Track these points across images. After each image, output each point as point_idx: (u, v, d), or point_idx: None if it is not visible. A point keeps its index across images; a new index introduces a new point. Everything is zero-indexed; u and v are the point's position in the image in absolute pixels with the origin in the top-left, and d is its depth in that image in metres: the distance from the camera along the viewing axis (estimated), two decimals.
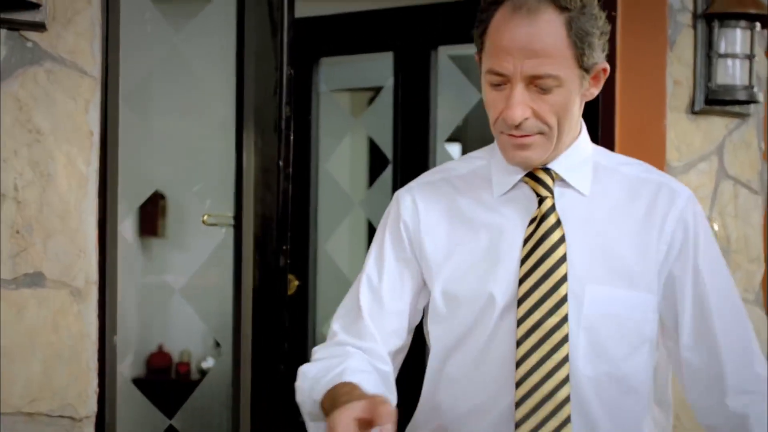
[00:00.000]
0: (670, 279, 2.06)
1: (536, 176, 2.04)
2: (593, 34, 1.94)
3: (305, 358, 2.13)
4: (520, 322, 2.00)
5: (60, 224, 2.57)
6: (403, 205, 2.13)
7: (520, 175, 2.05)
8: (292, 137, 3.20)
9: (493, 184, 2.09)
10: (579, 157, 2.06)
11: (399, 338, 2.11)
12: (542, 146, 1.99)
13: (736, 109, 3.87)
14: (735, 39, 3.77)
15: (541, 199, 2.03)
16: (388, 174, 4.49)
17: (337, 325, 2.12)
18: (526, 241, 2.03)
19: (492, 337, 2.03)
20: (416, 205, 2.12)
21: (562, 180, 2.05)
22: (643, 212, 2.05)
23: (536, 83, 1.92)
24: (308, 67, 4.41)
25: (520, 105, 1.93)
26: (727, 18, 3.75)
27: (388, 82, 4.42)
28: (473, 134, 4.87)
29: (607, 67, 2.01)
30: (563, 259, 2.00)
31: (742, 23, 3.76)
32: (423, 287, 2.12)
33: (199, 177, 3.16)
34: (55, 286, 2.57)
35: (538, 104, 1.94)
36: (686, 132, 3.84)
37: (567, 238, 2.01)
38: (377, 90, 4.59)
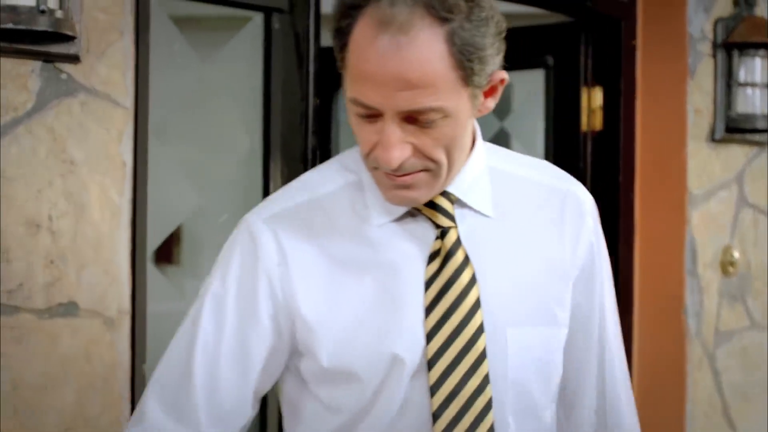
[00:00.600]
0: (575, 309, 1.74)
1: (432, 201, 1.65)
2: (484, 45, 1.52)
3: None
4: (434, 390, 1.60)
5: (93, 254, 2.59)
6: (262, 245, 1.64)
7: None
8: None
9: (372, 210, 1.66)
10: (477, 172, 1.69)
11: (238, 419, 1.67)
12: (429, 184, 1.60)
13: (756, 137, 3.91)
14: (755, 68, 3.81)
15: (443, 230, 1.65)
16: None
17: (153, 401, 1.64)
18: (428, 284, 1.63)
19: (401, 410, 1.63)
20: (281, 245, 1.63)
21: (459, 201, 1.67)
22: (551, 228, 1.71)
23: (415, 117, 1.52)
24: (328, 97, 4.43)
25: (398, 145, 1.53)
26: (747, 47, 3.79)
27: None
28: None
29: (506, 77, 1.61)
30: (477, 304, 1.62)
31: (762, 52, 3.80)
32: (280, 351, 1.67)
33: (226, 207, 3.18)
34: (88, 315, 2.58)
35: (420, 139, 1.54)
36: (707, 160, 3.87)
37: (479, 275, 1.64)
38: None
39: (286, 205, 1.68)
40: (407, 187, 1.59)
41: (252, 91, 3.20)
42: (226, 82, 3.19)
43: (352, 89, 1.54)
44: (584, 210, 1.74)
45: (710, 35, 3.84)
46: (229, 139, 3.18)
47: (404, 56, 1.49)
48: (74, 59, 2.54)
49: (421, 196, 1.61)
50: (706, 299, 3.85)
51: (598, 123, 3.93)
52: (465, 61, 1.51)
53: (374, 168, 1.60)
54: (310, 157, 3.20)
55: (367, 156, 1.59)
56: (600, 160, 3.92)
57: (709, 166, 3.87)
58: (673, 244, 3.82)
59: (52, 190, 2.54)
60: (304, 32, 3.19)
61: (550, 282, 1.70)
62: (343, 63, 1.57)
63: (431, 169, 1.58)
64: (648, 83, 3.87)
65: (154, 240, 2.92)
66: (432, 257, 1.64)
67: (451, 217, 1.65)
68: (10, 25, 2.38)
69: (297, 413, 1.72)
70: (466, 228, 1.67)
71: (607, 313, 1.78)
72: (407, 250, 1.65)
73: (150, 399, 1.66)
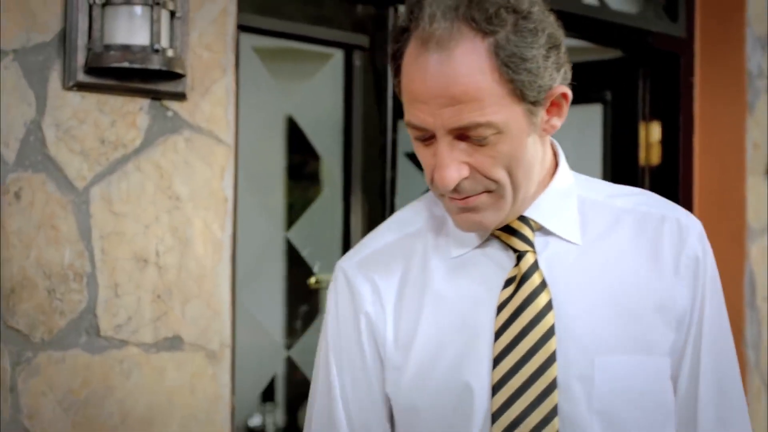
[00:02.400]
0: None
1: (510, 227, 1.59)
2: (533, 57, 1.46)
3: None
4: (495, 417, 1.55)
5: (197, 289, 2.63)
6: (357, 289, 1.66)
7: (474, 237, 1.62)
8: (396, 200, 3.28)
9: (452, 241, 1.64)
10: (561, 197, 1.62)
11: None
12: (494, 206, 1.54)
13: None
14: None
15: (519, 255, 1.59)
16: None
17: None
18: (500, 308, 1.58)
19: None
20: (376, 285, 1.65)
21: (543, 229, 1.61)
22: (647, 254, 1.62)
23: (466, 134, 1.48)
24: None
25: (452, 165, 1.49)
26: None
27: None
28: None
29: (567, 91, 1.54)
30: (551, 331, 1.56)
31: None
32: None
33: (308, 241, 3.22)
34: (192, 349, 2.62)
35: (476, 158, 1.50)
36: (764, 194, 3.92)
37: (563, 301, 1.58)
38: None
39: (376, 247, 1.68)
40: (472, 209, 1.54)
41: (333, 126, 3.25)
42: (308, 116, 3.24)
43: (406, 112, 1.52)
44: (686, 234, 1.63)
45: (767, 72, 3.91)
46: (311, 173, 3.23)
47: (445, 72, 1.45)
48: (181, 97, 2.59)
49: (488, 219, 1.56)
50: (764, 331, 3.90)
51: (655, 157, 3.99)
52: (512, 74, 1.46)
53: (441, 195, 1.56)
54: (388, 189, 3.25)
55: (430, 182, 1.54)
56: (658, 194, 3.96)
57: (766, 200, 3.92)
58: (732, 277, 3.86)
59: (159, 225, 2.58)
60: (383, 69, 3.25)
61: (645, 311, 1.60)
62: (399, 89, 1.54)
63: (493, 189, 1.53)
64: (706, 118, 3.93)
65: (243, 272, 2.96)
66: (508, 282, 1.59)
67: (529, 242, 1.59)
68: (125, 64, 2.42)
69: None
70: (548, 254, 1.61)
71: (705, 327, 1.65)
72: (485, 279, 1.61)
73: None
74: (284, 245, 3.18)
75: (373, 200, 3.25)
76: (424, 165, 1.54)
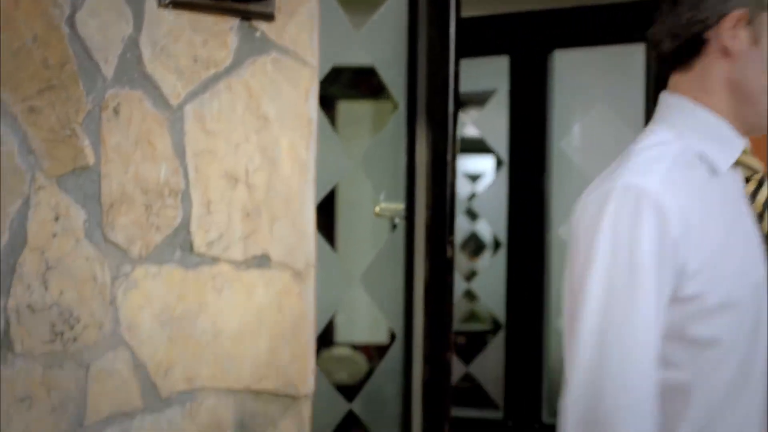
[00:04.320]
0: None
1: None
2: None
3: None
4: None
5: (284, 208, 2.66)
6: (667, 213, 1.66)
7: (741, 145, 1.78)
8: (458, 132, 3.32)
9: (715, 160, 1.75)
10: None
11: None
12: None
13: None
14: None
15: (754, 172, 1.85)
16: (503, 176, 4.58)
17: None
18: (751, 197, 1.85)
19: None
20: (681, 208, 1.67)
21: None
22: None
23: None
24: None
25: None
26: None
27: (503, 86, 4.54)
28: None
29: None
30: None
31: None
32: None
33: (375, 168, 3.26)
34: (279, 267, 2.65)
35: None
36: None
37: None
38: (490, 93, 4.69)
39: (662, 172, 1.69)
40: None
41: (397, 58, 3.27)
42: (375, 48, 3.26)
43: None
44: None
45: None
46: (377, 104, 3.26)
47: None
48: (269, 17, 2.61)
49: None
50: None
51: None
52: None
53: None
54: (451, 122, 3.29)
55: None
56: None
57: None
58: None
59: (248, 144, 2.60)
60: (446, 2, 3.28)
61: None
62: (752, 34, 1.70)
63: None
64: None
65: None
66: (747, 179, 1.85)
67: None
68: None
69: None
70: None
71: None
72: (740, 199, 1.81)
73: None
74: (352, 173, 3.21)
75: (437, 131, 3.28)
76: None
